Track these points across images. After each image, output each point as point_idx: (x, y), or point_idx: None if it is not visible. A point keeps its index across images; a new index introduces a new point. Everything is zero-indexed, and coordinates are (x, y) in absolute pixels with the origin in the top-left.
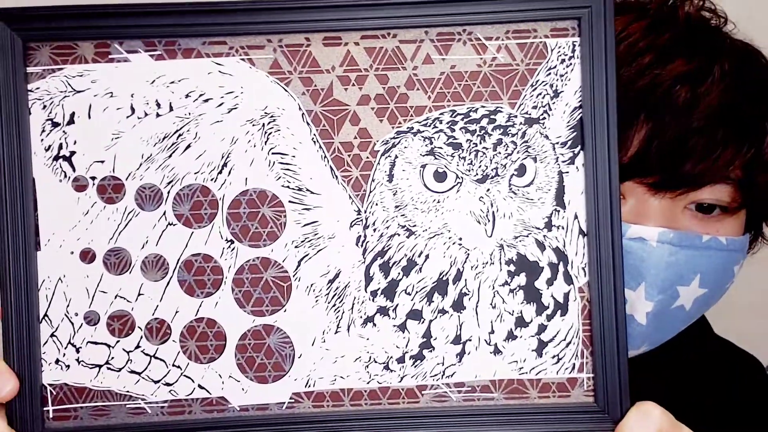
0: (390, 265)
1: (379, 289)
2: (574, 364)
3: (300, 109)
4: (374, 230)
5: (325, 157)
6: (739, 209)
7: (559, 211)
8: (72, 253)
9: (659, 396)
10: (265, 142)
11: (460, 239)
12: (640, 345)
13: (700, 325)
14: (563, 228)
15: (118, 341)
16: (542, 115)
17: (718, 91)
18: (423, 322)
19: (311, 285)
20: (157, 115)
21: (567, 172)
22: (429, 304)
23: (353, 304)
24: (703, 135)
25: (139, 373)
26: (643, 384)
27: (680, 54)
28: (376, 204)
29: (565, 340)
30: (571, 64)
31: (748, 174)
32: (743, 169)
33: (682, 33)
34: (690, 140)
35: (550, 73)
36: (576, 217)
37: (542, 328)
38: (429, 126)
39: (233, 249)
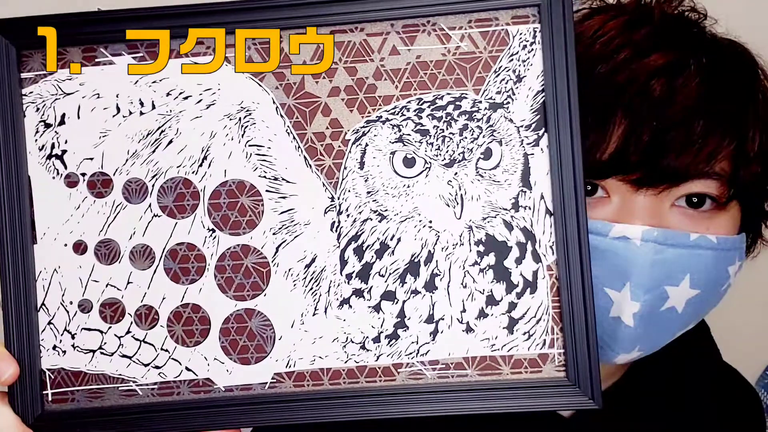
0: (364, 248)
1: (353, 272)
2: (544, 340)
3: (274, 102)
4: (348, 216)
5: (299, 147)
6: (727, 203)
7: (525, 191)
8: (66, 245)
9: (657, 407)
10: (242, 135)
11: (431, 222)
12: (632, 348)
13: (707, 349)
14: (530, 208)
15: (110, 327)
16: (506, 99)
17: (695, 84)
18: (397, 302)
19: (289, 270)
20: (141, 113)
21: (532, 154)
22: (402, 286)
23: (329, 287)
24: (681, 128)
25: (130, 357)
26: (641, 397)
27: (657, 48)
28: (349, 191)
29: (535, 317)
30: (532, 49)
31: (733, 166)
32: (731, 163)
33: (659, 28)
34: (668, 134)
35: (512, 59)
36: (542, 197)
37: (512, 306)
38: (397, 114)
39: (215, 237)
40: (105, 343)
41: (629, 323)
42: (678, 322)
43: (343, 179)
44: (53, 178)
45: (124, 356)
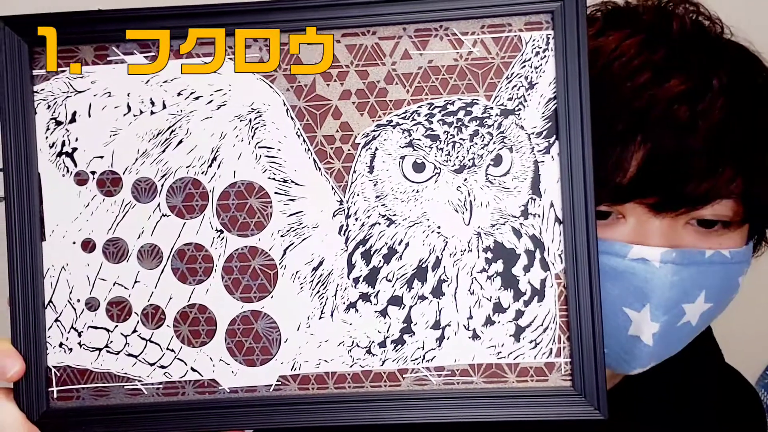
0: (371, 253)
1: (361, 276)
2: (551, 349)
3: (284, 104)
4: (356, 219)
5: (309, 150)
6: (742, 223)
7: (535, 199)
8: (74, 243)
9: (660, 408)
10: (252, 137)
11: (439, 228)
12: (648, 363)
13: (710, 351)
14: (539, 216)
15: (116, 326)
16: (517, 106)
17: (718, 108)
18: (403, 307)
19: (296, 272)
20: (152, 112)
21: (542, 162)
22: (409, 291)
23: (336, 290)
24: (705, 154)
25: (135, 356)
26: (644, 399)
27: (676, 71)
28: (358, 194)
29: (542, 325)
30: (545, 56)
31: (749, 186)
32: (743, 181)
33: (677, 48)
34: (691, 160)
35: (525, 66)
36: (552, 205)
37: (519, 314)
38: (407, 119)
39: (223, 238)
40: (111, 342)
41: (648, 342)
42: (691, 334)
43: (352, 183)
44: (63, 175)
45: (130, 355)
